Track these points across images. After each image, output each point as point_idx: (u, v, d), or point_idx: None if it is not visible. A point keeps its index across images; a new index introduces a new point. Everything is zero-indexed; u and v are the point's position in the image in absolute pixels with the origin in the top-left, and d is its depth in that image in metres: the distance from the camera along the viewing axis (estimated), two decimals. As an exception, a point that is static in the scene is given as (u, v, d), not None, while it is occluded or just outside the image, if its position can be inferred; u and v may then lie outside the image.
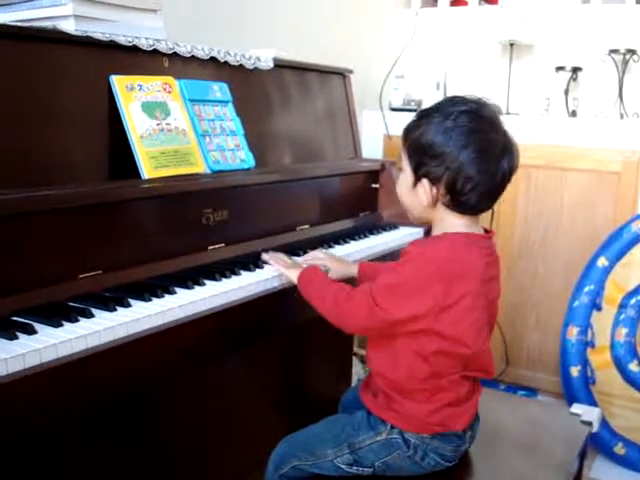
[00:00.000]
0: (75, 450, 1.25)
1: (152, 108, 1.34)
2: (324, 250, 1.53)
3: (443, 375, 1.17)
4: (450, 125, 1.12)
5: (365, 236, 1.78)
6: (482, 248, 1.17)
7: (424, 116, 1.17)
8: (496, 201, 1.19)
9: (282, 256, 1.42)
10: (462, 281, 1.12)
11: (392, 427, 1.20)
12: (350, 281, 1.36)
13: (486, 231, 1.22)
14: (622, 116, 2.65)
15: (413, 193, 1.19)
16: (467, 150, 1.11)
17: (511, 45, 2.82)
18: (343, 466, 1.23)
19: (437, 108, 1.16)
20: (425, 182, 1.16)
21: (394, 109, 2.86)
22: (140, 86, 1.34)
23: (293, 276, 1.31)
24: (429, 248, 1.17)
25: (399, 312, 1.13)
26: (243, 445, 1.67)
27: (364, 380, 1.33)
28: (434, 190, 1.16)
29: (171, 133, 1.37)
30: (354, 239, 1.73)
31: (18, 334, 0.96)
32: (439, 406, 1.18)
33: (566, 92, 2.77)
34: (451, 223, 1.18)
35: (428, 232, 1.31)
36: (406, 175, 1.20)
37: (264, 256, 1.40)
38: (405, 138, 1.20)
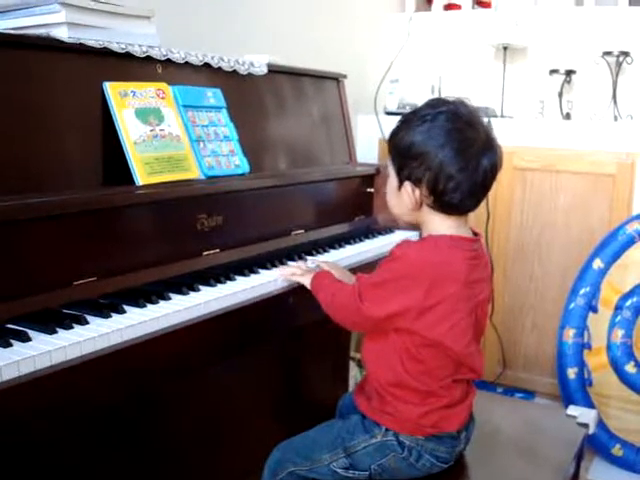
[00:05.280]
0: (70, 457, 1.25)
1: (146, 114, 1.34)
2: (327, 260, 1.53)
3: (435, 376, 1.17)
4: (428, 126, 1.13)
5: (360, 240, 1.78)
6: (466, 251, 1.17)
7: (405, 121, 1.19)
8: (481, 201, 1.19)
9: (294, 264, 1.44)
10: (443, 284, 1.12)
11: (387, 430, 1.20)
12: None
13: (475, 234, 1.23)
14: (616, 118, 2.66)
15: (398, 197, 1.20)
16: (446, 149, 1.12)
17: (505, 48, 2.83)
18: (339, 470, 1.23)
19: (416, 111, 1.18)
20: (408, 185, 1.17)
21: (389, 113, 2.87)
22: (133, 92, 1.34)
23: (306, 281, 1.34)
24: (413, 250, 1.17)
25: (380, 309, 1.16)
26: (239, 450, 1.66)
27: (359, 383, 1.33)
28: (417, 192, 1.16)
29: (165, 139, 1.37)
30: (349, 243, 1.73)
31: (12, 341, 0.96)
32: (433, 408, 1.18)
33: (560, 95, 2.78)
34: (437, 225, 1.18)
35: (423, 236, 1.32)
36: (391, 180, 1.22)
37: (276, 274, 1.39)
38: (388, 144, 1.22)
